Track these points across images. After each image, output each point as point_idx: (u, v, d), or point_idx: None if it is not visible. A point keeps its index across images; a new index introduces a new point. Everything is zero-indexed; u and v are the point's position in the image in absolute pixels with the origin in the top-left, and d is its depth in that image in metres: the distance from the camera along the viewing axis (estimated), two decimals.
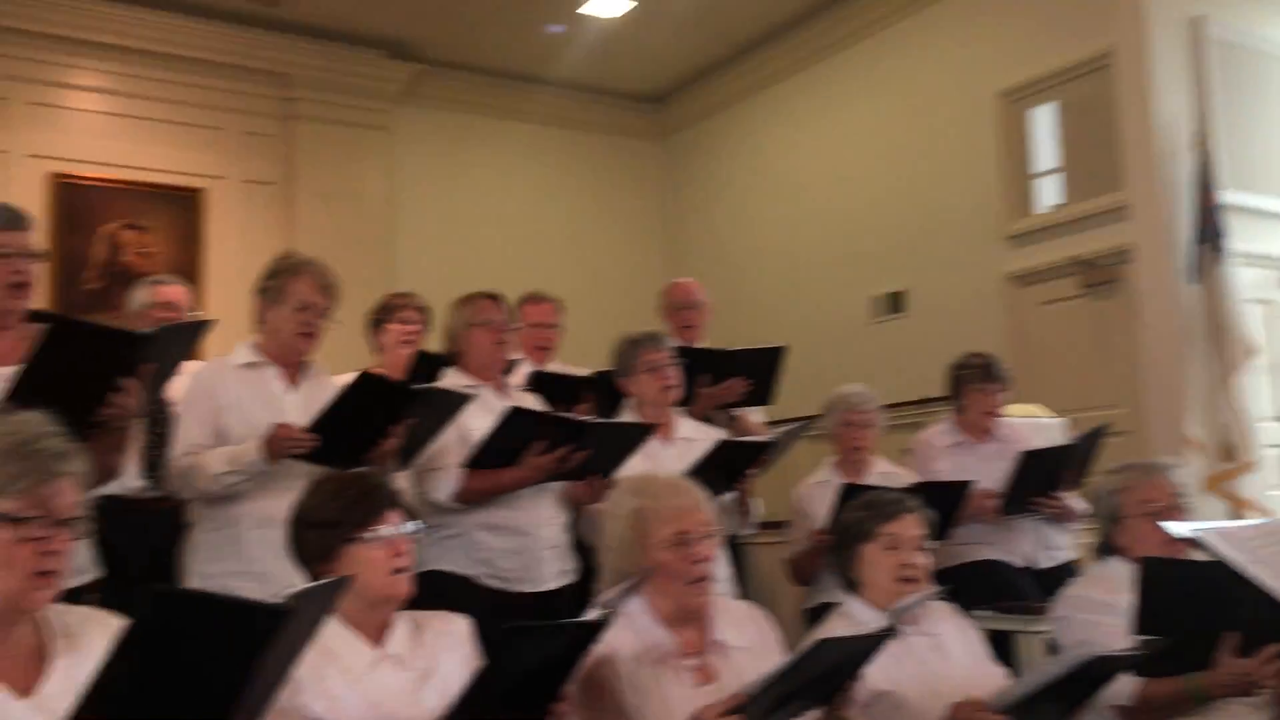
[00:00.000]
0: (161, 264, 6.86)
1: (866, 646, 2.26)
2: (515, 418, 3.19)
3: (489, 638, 2.35)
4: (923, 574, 2.66)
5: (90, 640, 1.67)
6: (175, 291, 4.15)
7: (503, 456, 3.21)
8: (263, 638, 1.49)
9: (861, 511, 2.73)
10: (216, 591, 1.85)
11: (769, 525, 4.23)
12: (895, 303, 7.08)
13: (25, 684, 1.58)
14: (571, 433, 3.20)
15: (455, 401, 3.23)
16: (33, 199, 6.29)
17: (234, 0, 7.09)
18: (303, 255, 3.25)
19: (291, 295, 3.08)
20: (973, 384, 4.15)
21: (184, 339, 2.84)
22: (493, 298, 3.52)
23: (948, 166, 6.80)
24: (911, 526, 2.71)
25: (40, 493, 1.57)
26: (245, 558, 2.97)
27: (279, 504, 2.93)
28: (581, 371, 4.35)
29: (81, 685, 1.57)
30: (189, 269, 6.82)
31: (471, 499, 3.24)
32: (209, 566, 3.02)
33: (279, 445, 2.88)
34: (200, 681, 1.46)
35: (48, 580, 1.58)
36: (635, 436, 3.43)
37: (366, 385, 2.91)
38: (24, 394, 2.20)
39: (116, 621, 1.71)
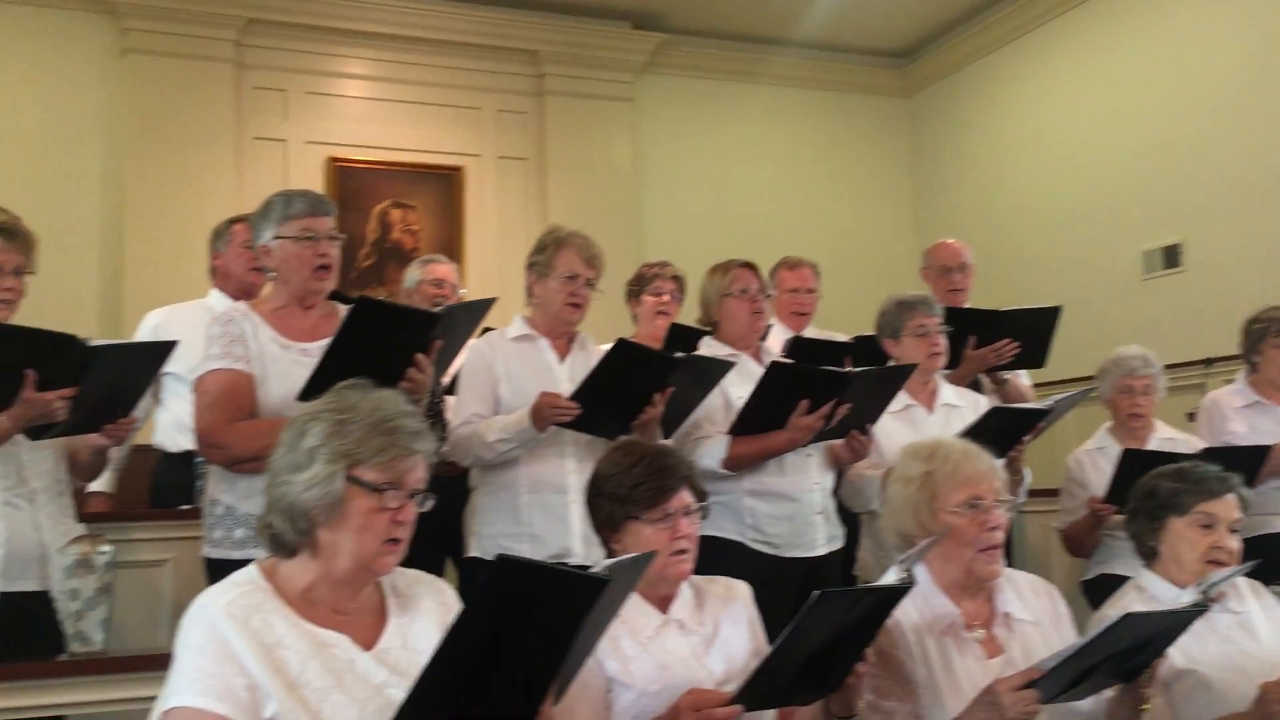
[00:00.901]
0: (426, 240, 7.26)
1: (1176, 622, 2.15)
2: (777, 372, 3.18)
3: (771, 602, 2.37)
4: (1234, 558, 2.48)
5: (419, 601, 1.80)
6: (444, 269, 4.40)
7: (768, 419, 3.20)
8: (586, 606, 1.57)
9: (1178, 482, 2.56)
10: (550, 563, 1.94)
11: (1036, 493, 4.06)
12: (1170, 257, 6.63)
13: (368, 639, 1.71)
14: (834, 386, 3.16)
15: (717, 369, 3.25)
16: (313, 183, 6.72)
17: None
18: (567, 228, 3.32)
19: (558, 267, 3.16)
20: (1272, 340, 3.84)
21: (470, 318, 2.97)
22: (748, 266, 3.49)
23: (1230, 109, 6.29)
24: (1232, 508, 2.53)
25: (399, 467, 1.68)
26: (520, 520, 3.10)
27: (551, 469, 3.08)
28: (839, 336, 4.28)
29: (411, 642, 1.70)
30: (450, 244, 7.18)
31: (740, 465, 3.25)
32: (487, 528, 3.17)
33: (545, 413, 2.97)
34: (532, 645, 1.55)
35: (396, 547, 1.70)
36: (896, 379, 3.36)
37: (623, 352, 2.97)
38: (331, 369, 2.36)
39: (441, 584, 1.86)
